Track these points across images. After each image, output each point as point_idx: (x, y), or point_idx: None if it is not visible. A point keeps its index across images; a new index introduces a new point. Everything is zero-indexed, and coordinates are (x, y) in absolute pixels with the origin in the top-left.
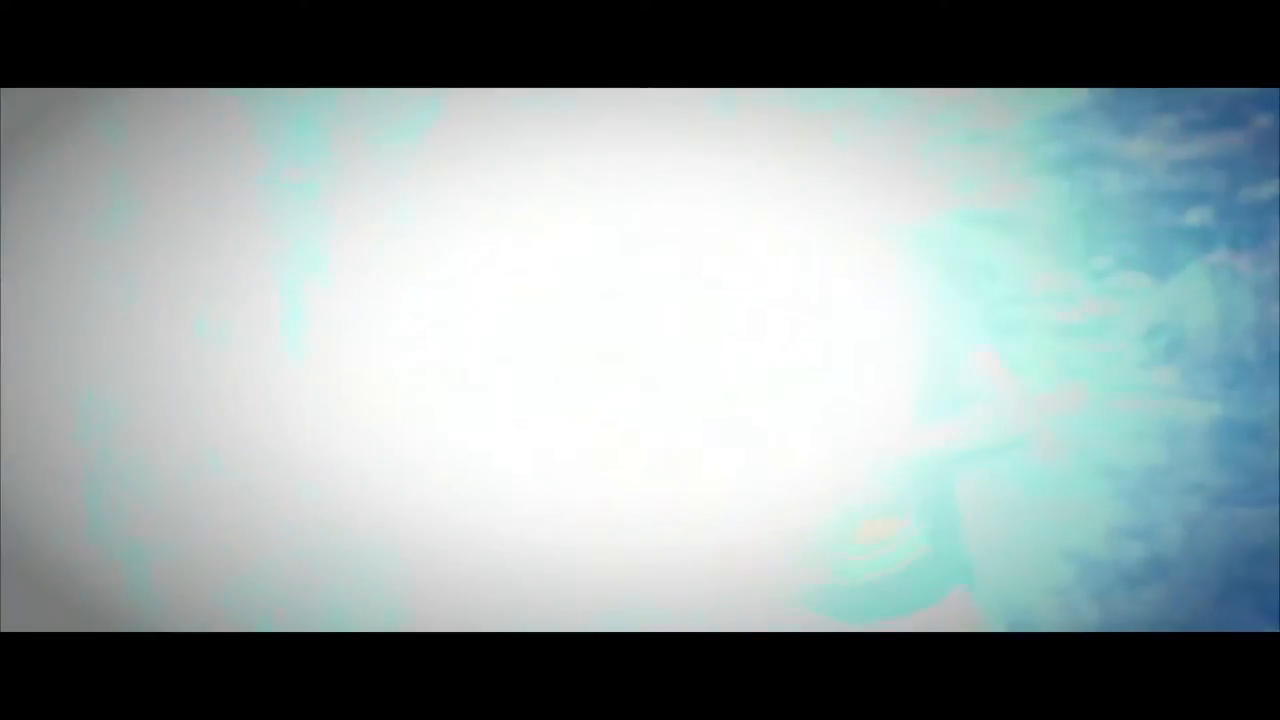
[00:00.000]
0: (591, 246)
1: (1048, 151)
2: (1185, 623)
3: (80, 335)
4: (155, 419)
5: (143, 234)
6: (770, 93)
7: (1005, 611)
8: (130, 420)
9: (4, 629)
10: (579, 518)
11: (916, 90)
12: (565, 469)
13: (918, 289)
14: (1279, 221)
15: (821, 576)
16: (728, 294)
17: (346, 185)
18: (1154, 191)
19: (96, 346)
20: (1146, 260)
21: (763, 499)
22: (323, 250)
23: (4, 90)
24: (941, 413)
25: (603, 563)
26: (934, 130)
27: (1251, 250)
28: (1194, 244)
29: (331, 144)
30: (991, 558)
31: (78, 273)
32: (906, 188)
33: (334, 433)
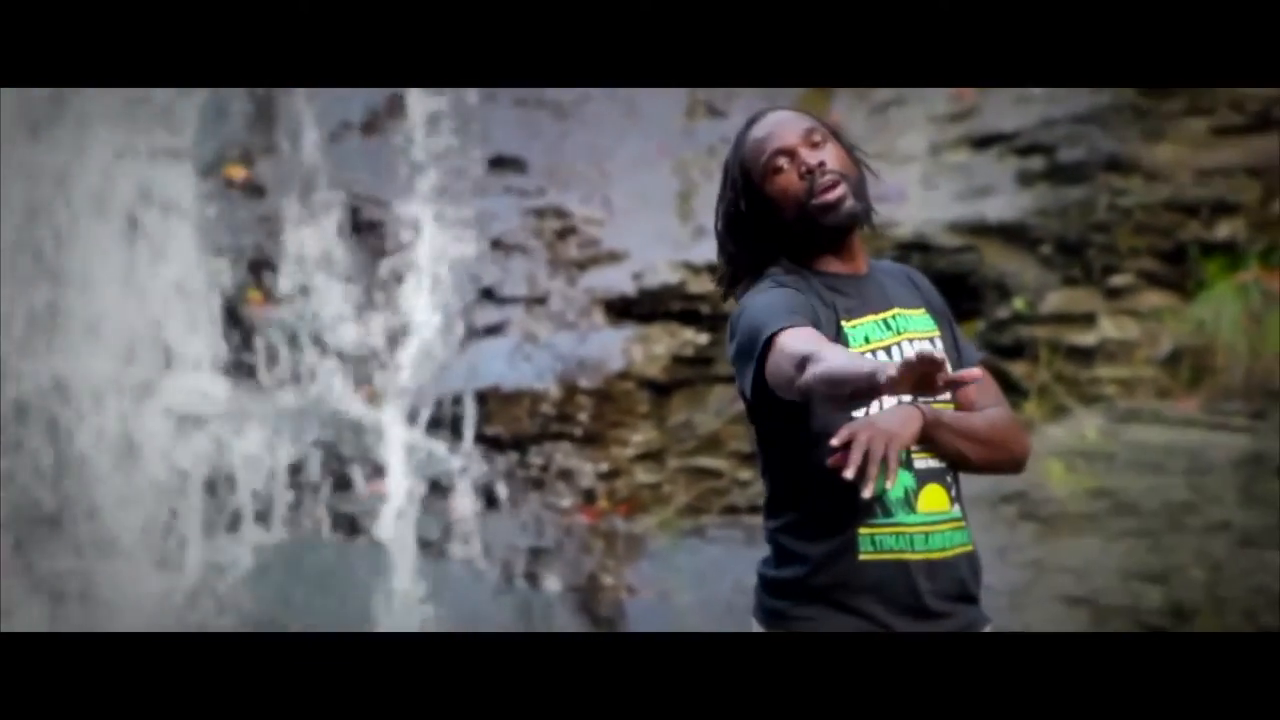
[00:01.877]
0: None
1: (1063, 156)
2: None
3: None
4: None
5: None
6: (770, 91)
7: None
8: None
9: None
10: None
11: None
12: None
13: None
14: None
15: None
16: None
17: None
18: (1179, 201)
19: None
20: (1170, 277)
21: None
22: None
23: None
24: None
25: None
26: (939, 131)
27: None
28: (1222, 260)
29: None
30: (995, 598)
31: None
32: (909, 194)
33: None
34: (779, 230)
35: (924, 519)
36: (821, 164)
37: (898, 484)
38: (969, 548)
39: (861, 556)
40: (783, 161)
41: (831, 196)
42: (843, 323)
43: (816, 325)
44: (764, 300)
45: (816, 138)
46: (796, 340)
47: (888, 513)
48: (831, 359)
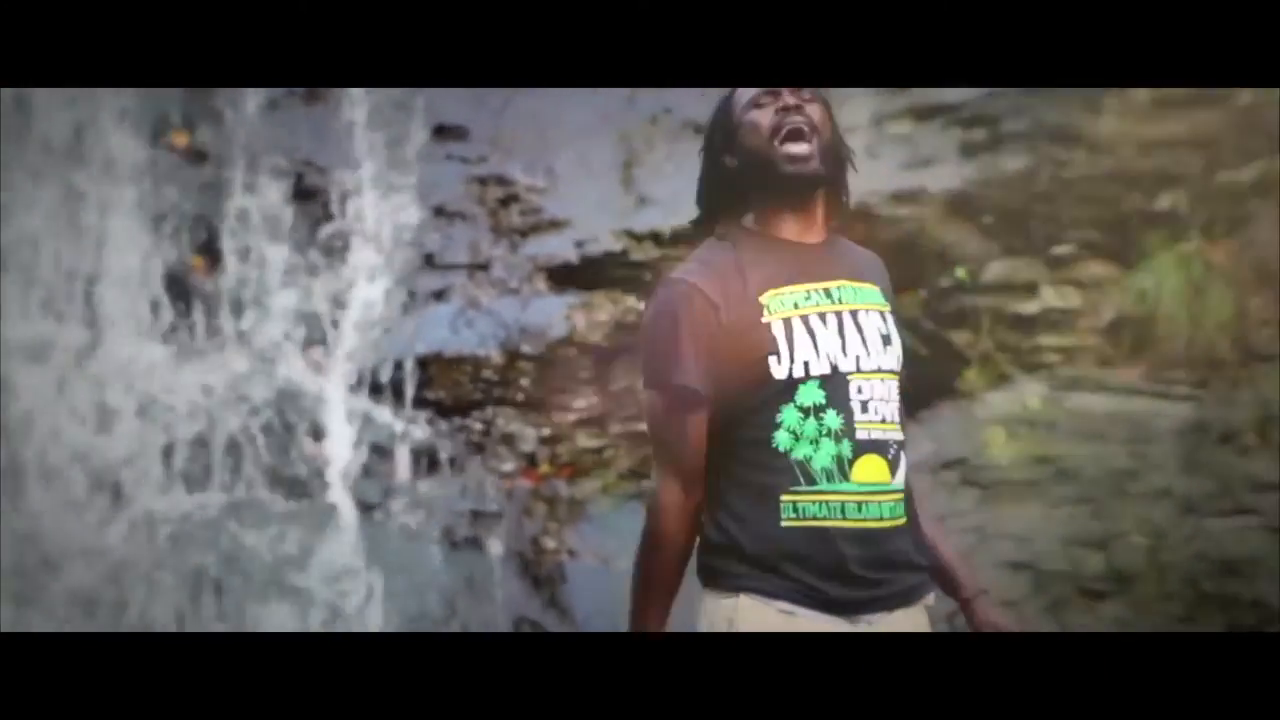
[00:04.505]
0: None
1: (1006, 127)
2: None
3: None
4: None
5: None
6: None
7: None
8: None
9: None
10: None
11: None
12: None
13: None
14: (1257, 207)
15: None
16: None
17: None
18: (1122, 173)
19: None
20: (1112, 248)
21: None
22: None
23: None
24: None
25: None
26: (883, 102)
27: (1227, 238)
28: (1164, 231)
29: None
30: None
31: None
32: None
33: None
34: (742, 172)
35: (859, 488)
36: (799, 106)
37: (825, 453)
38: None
39: (784, 523)
40: (766, 99)
41: (797, 150)
42: (760, 295)
43: (715, 322)
44: (665, 327)
45: (806, 95)
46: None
47: (811, 481)
48: (643, 568)
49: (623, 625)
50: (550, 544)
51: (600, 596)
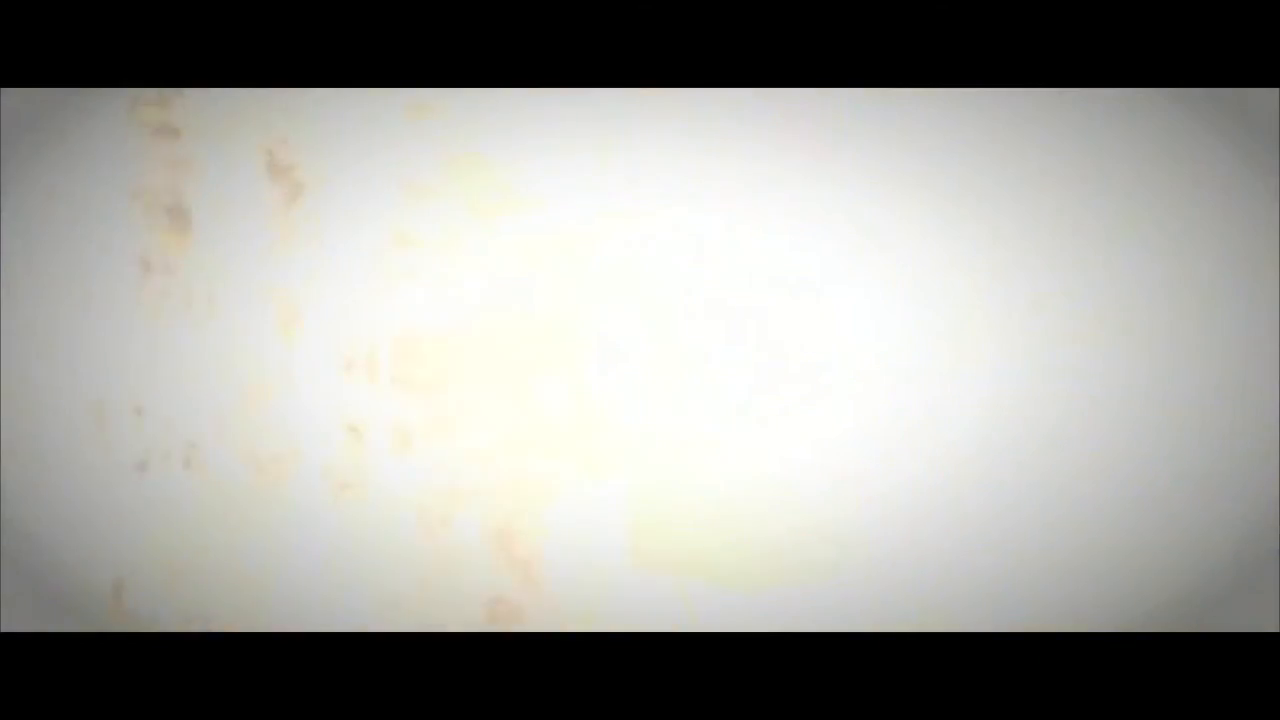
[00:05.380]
0: None
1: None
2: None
3: None
4: None
5: None
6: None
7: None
8: None
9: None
10: None
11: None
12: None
13: None
14: (1242, 186)
15: None
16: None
17: None
18: None
19: None
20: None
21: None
22: None
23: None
24: None
25: None
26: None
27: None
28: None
29: None
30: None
31: None
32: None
33: None
34: None
35: None
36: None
37: None
38: None
39: None
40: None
41: None
42: None
43: None
44: None
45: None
46: None
47: None
48: None
49: (599, 605)
50: (527, 522)
51: (577, 574)
